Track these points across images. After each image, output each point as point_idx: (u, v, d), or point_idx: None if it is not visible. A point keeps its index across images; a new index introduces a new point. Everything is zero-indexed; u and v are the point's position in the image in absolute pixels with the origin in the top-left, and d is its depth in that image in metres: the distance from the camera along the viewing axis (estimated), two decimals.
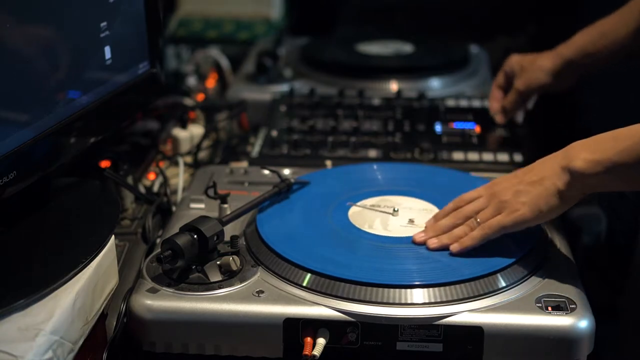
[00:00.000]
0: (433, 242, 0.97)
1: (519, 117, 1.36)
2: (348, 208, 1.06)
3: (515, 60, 1.34)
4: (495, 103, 1.36)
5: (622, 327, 1.18)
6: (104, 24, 1.02)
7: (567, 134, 1.68)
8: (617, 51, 1.23)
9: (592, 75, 1.32)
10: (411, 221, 1.03)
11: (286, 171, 1.18)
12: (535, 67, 1.29)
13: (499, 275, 0.92)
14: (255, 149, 1.31)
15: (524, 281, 0.93)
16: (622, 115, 1.55)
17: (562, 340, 0.87)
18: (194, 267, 0.93)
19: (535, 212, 0.92)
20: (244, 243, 1.00)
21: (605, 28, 1.23)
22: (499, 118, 1.35)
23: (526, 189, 0.93)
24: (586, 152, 0.89)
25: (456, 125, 1.38)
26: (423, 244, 0.98)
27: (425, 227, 1.00)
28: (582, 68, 1.27)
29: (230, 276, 0.93)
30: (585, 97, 1.66)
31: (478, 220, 0.95)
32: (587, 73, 1.29)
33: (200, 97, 1.61)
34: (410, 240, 0.99)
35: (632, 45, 1.21)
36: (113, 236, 0.96)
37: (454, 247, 0.95)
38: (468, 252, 0.95)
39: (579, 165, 0.89)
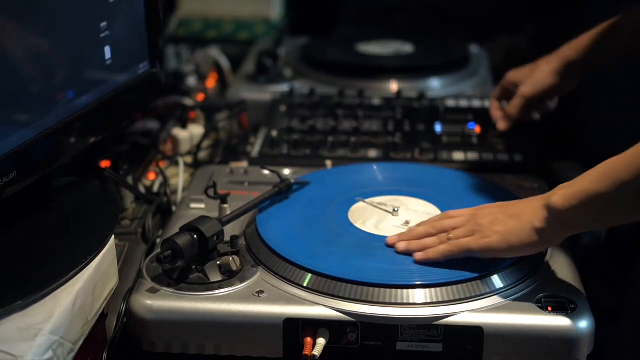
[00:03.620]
0: (401, 245, 0.96)
1: (535, 115, 1.35)
2: (348, 208, 1.06)
3: (513, 74, 1.33)
4: (497, 112, 1.36)
5: (624, 328, 1.18)
6: (104, 24, 1.02)
7: (568, 133, 1.68)
8: (622, 54, 1.22)
9: (592, 74, 1.32)
10: (407, 222, 1.03)
11: (286, 171, 1.18)
12: (537, 71, 1.28)
13: (499, 275, 0.92)
14: (255, 149, 1.31)
15: (524, 281, 0.93)
16: (622, 113, 1.55)
17: (562, 341, 0.87)
18: (194, 267, 0.93)
19: (504, 244, 0.91)
20: (244, 243, 1.00)
21: (610, 30, 1.23)
22: (501, 125, 1.32)
23: (503, 219, 0.92)
24: (563, 188, 0.89)
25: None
26: (393, 246, 0.97)
27: (403, 232, 1.00)
28: (585, 70, 1.27)
29: (230, 276, 0.93)
30: (586, 95, 1.66)
31: (450, 236, 0.95)
32: (590, 74, 1.28)
33: (200, 97, 1.61)
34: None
35: (638, 48, 1.20)
36: (113, 236, 0.96)
37: (418, 256, 0.95)
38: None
39: (554, 200, 0.88)
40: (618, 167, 0.85)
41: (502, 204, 0.97)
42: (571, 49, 1.26)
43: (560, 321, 0.87)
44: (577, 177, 0.90)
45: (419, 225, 1.00)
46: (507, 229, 0.91)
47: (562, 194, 0.88)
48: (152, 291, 0.91)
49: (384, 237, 0.99)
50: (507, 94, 1.35)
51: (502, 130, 1.32)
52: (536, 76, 1.28)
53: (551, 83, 1.28)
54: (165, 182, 1.24)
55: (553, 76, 1.27)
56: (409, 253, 0.96)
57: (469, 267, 0.93)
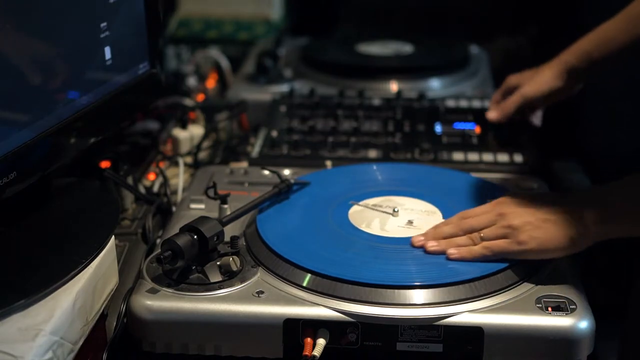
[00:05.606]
0: (432, 245, 0.97)
1: (535, 120, 1.35)
2: (348, 208, 1.06)
3: (514, 78, 1.34)
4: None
5: (625, 328, 1.18)
6: (104, 24, 1.02)
7: (568, 133, 1.68)
8: (622, 55, 1.22)
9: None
10: (410, 222, 1.03)
11: (286, 171, 1.18)
12: (539, 75, 1.29)
13: (499, 275, 0.92)
14: (255, 149, 1.31)
15: (524, 282, 0.93)
16: (622, 113, 1.55)
17: (562, 341, 0.87)
18: (194, 267, 0.93)
19: (541, 250, 0.93)
20: (244, 243, 1.00)
21: (608, 33, 1.23)
22: (492, 114, 1.33)
23: (538, 224, 0.93)
24: (599, 204, 0.91)
25: (456, 126, 1.38)
26: (421, 247, 0.97)
27: (426, 232, 1.00)
28: (586, 74, 1.27)
29: (230, 276, 0.93)
30: (586, 95, 1.66)
31: (482, 235, 0.95)
32: (592, 78, 1.29)
33: (200, 97, 1.61)
34: (408, 241, 0.99)
35: (636, 48, 1.21)
36: (113, 236, 0.96)
37: (452, 253, 0.95)
38: None
39: (593, 218, 0.91)
40: None
41: (527, 200, 0.97)
42: (571, 54, 1.26)
43: (560, 321, 0.87)
44: (610, 186, 0.92)
45: (442, 224, 1.00)
46: (543, 236, 0.93)
47: (601, 213, 0.91)
48: (152, 291, 0.91)
49: (393, 239, 0.99)
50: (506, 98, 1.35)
51: (491, 119, 1.33)
52: (538, 79, 1.29)
53: (553, 86, 1.28)
54: (165, 183, 1.24)
55: (555, 80, 1.27)
56: (441, 253, 0.96)
57: (469, 268, 0.93)
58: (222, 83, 1.71)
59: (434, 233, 0.99)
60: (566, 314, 0.88)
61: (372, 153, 1.30)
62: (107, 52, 1.04)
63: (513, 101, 1.31)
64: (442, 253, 0.96)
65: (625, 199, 0.90)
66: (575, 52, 1.26)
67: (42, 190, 1.00)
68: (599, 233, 0.92)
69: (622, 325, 1.17)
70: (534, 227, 0.93)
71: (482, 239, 0.95)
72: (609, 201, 0.91)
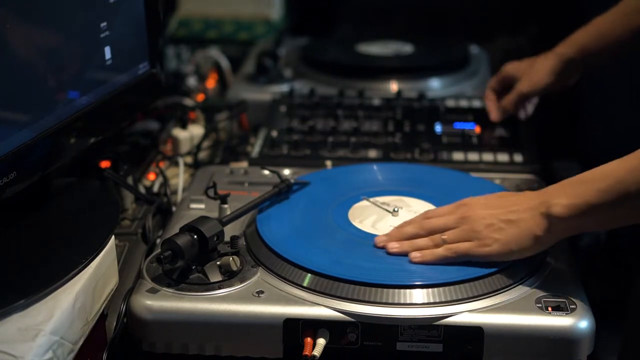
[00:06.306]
0: (393, 246, 0.96)
1: (522, 114, 1.36)
2: (348, 208, 1.06)
3: (511, 67, 1.34)
4: (492, 104, 1.37)
5: (626, 328, 1.18)
6: (104, 24, 1.02)
7: (568, 133, 1.68)
8: (617, 49, 1.23)
9: (591, 73, 1.32)
10: None
11: (286, 171, 1.18)
12: (535, 69, 1.29)
13: (499, 275, 0.92)
14: (255, 149, 1.31)
15: (524, 281, 0.93)
16: (623, 113, 1.55)
17: (562, 341, 0.87)
18: (194, 267, 0.93)
19: (505, 251, 0.92)
20: (244, 243, 1.00)
21: (605, 26, 1.23)
22: (494, 115, 1.35)
23: (501, 226, 0.92)
24: (563, 198, 0.89)
25: (456, 125, 1.38)
26: (383, 247, 0.97)
27: (389, 232, 1.00)
28: (582, 66, 1.27)
29: (230, 276, 0.93)
30: (586, 95, 1.66)
31: (444, 238, 0.94)
32: (588, 71, 1.29)
33: (200, 97, 1.61)
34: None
35: (632, 42, 1.21)
36: (113, 236, 0.96)
37: (415, 256, 0.94)
38: None
39: (557, 211, 0.88)
40: (625, 181, 0.85)
41: (489, 202, 0.96)
42: (568, 47, 1.27)
43: (560, 321, 0.87)
44: (573, 181, 0.90)
45: (405, 224, 1.00)
46: (507, 238, 0.91)
47: (566, 205, 0.88)
48: (152, 291, 0.91)
49: (373, 235, 0.99)
50: (503, 86, 1.36)
51: (495, 121, 1.35)
52: (534, 74, 1.29)
53: (548, 82, 1.29)
54: (165, 183, 1.24)
55: (550, 75, 1.28)
56: (402, 254, 0.95)
57: (469, 267, 0.93)
58: (222, 83, 1.71)
59: (397, 233, 0.98)
60: (566, 314, 0.88)
61: (372, 153, 1.30)
62: (107, 52, 1.04)
63: (511, 101, 1.33)
64: (404, 255, 0.95)
65: (592, 192, 0.87)
66: (572, 45, 1.26)
67: (42, 190, 1.00)
68: (566, 228, 0.90)
69: (622, 325, 1.17)
70: (496, 229, 0.92)
71: (445, 242, 0.94)
72: (576, 194, 0.88)
